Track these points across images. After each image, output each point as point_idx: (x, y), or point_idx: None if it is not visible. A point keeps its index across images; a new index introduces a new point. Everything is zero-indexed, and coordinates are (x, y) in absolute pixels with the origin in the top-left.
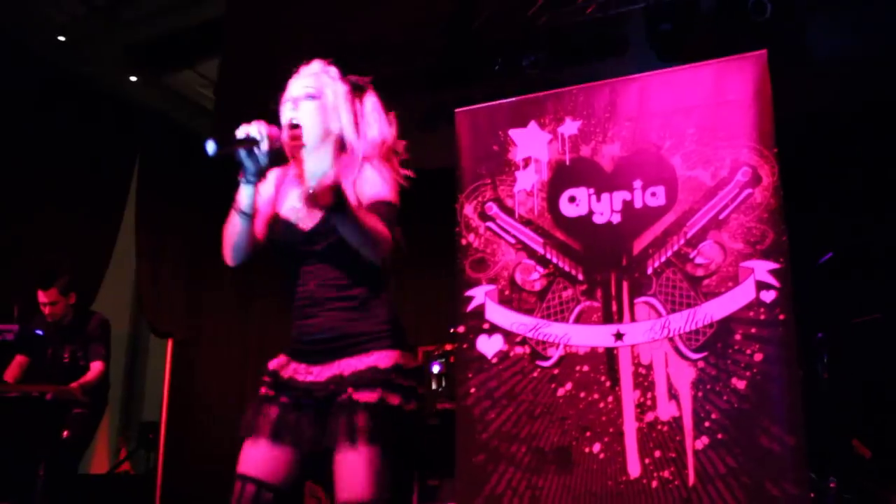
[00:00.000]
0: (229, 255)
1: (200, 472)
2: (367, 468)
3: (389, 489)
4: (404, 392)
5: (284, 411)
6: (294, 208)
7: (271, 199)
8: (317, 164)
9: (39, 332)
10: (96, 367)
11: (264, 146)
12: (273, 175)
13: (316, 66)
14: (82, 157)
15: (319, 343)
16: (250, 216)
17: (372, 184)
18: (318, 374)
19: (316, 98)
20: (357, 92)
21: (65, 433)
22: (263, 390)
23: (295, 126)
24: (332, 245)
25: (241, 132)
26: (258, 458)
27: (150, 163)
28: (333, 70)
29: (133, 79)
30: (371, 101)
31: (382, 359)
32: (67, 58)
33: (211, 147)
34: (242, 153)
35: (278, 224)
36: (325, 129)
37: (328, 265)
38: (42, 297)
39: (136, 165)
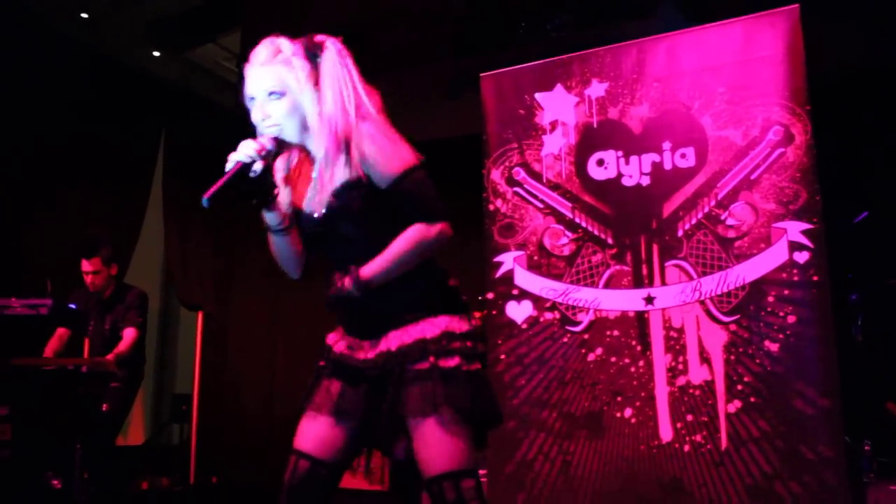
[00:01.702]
0: (288, 272)
1: (233, 443)
2: (442, 438)
3: (473, 456)
4: (461, 354)
5: (340, 387)
6: (306, 194)
7: (290, 194)
8: (317, 150)
9: (72, 305)
10: (129, 333)
11: (258, 165)
12: (282, 160)
13: (264, 53)
14: (108, 133)
15: (363, 320)
16: (285, 230)
17: (379, 163)
18: (367, 349)
19: (282, 95)
20: (313, 59)
21: (104, 407)
22: (322, 363)
23: (276, 138)
24: (349, 224)
25: (230, 162)
26: (314, 433)
27: (175, 137)
28: (286, 46)
29: (156, 54)
30: (328, 62)
31: (429, 328)
32: (90, 35)
33: (205, 202)
34: (243, 186)
35: (297, 215)
36: (303, 121)
37: (354, 244)
38: (86, 265)
39: (161, 140)
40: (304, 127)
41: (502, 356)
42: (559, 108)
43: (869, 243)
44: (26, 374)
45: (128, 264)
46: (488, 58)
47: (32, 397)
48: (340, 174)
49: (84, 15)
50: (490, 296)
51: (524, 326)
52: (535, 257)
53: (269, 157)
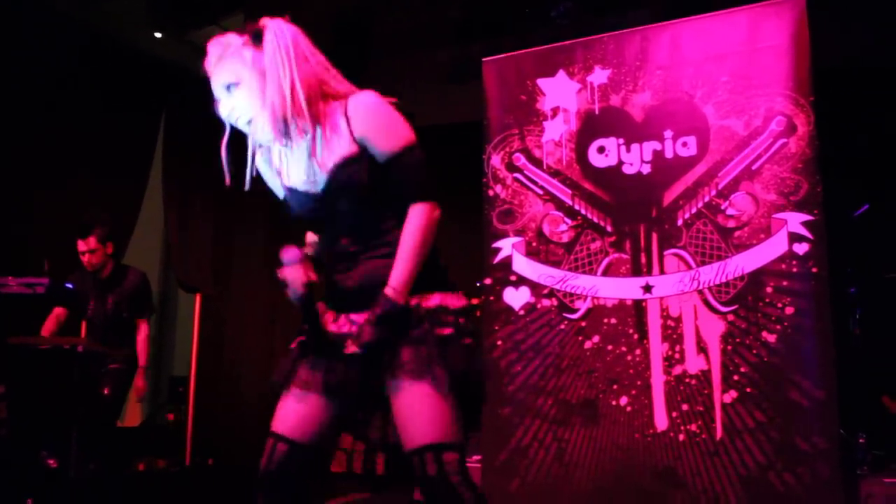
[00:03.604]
0: None
1: (229, 425)
2: (431, 404)
3: (459, 430)
4: (454, 326)
5: (327, 362)
6: (299, 174)
7: (278, 177)
8: (300, 131)
9: (70, 285)
10: (144, 326)
11: (298, 293)
12: (273, 153)
13: (214, 52)
14: (108, 114)
15: (358, 293)
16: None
17: (379, 135)
18: (358, 322)
19: (237, 85)
20: (258, 44)
21: (105, 391)
22: (301, 339)
23: (249, 123)
24: (350, 199)
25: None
26: (295, 414)
27: (175, 119)
28: (233, 39)
29: (157, 35)
30: (267, 44)
31: (424, 300)
32: (91, 15)
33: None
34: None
35: (293, 196)
36: (265, 105)
37: (353, 220)
38: (81, 245)
39: (161, 122)
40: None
41: (499, 342)
42: (561, 94)
43: (869, 237)
44: (22, 353)
45: (126, 246)
46: (491, 44)
47: (28, 376)
48: (339, 149)
49: None
50: (488, 281)
51: (521, 313)
52: (534, 244)
53: (305, 287)
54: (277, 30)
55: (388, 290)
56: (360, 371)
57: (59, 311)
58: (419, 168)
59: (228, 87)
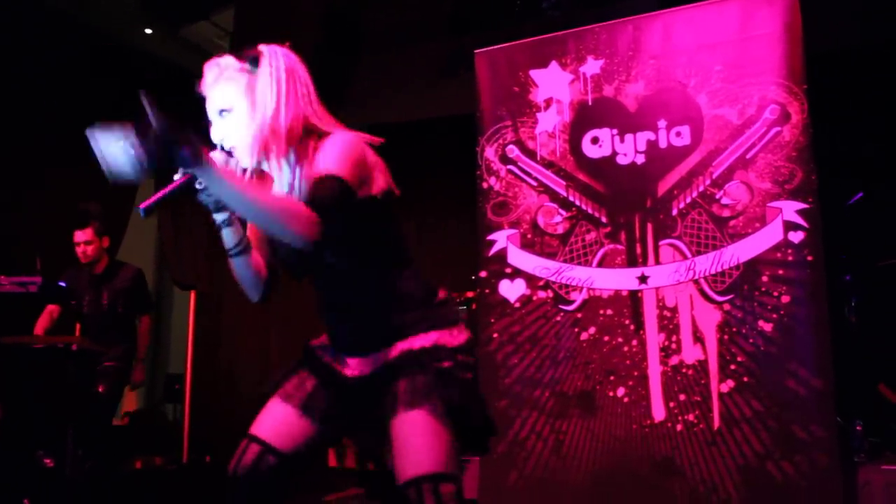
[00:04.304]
0: (249, 296)
1: (226, 423)
2: (427, 432)
3: (457, 461)
4: (453, 361)
5: (314, 385)
6: None
7: None
8: (275, 166)
9: (62, 283)
10: (146, 321)
11: None
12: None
13: (210, 75)
14: (98, 111)
15: (351, 342)
16: (240, 251)
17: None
18: (354, 367)
19: (229, 111)
20: (254, 69)
21: (100, 388)
22: (302, 358)
23: (229, 152)
24: (330, 249)
25: (178, 174)
26: (273, 419)
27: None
28: (229, 62)
29: (148, 31)
30: (263, 75)
31: (419, 341)
32: (83, 10)
33: (142, 213)
34: (201, 196)
35: (273, 241)
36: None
37: (335, 269)
38: (78, 236)
39: None
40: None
41: (495, 335)
42: (554, 85)
43: (863, 224)
44: (16, 351)
45: (120, 243)
46: (483, 36)
47: (23, 376)
48: (304, 192)
49: None
50: (483, 274)
51: (517, 305)
52: (529, 236)
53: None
54: (274, 59)
55: (211, 153)
56: (347, 410)
57: (52, 309)
58: (328, 193)
59: (221, 112)
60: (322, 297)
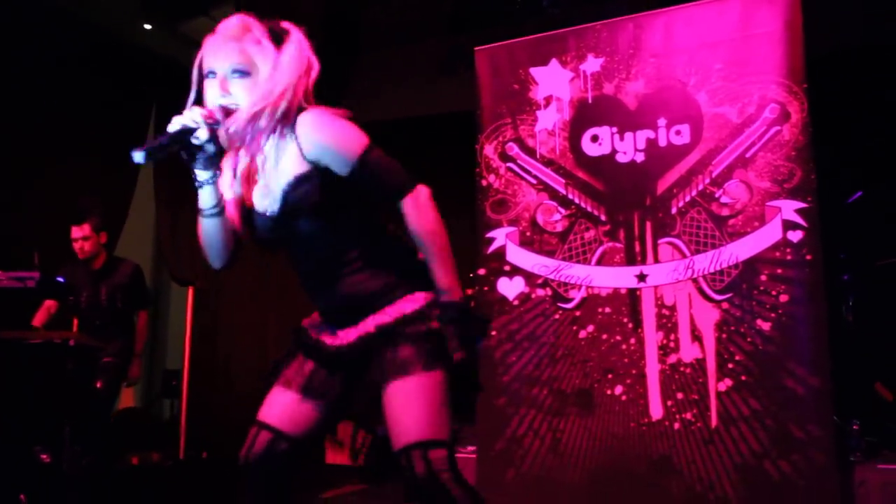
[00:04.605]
0: (210, 260)
1: (223, 419)
2: (416, 400)
3: (448, 427)
4: (438, 320)
5: (313, 367)
6: (259, 194)
7: (241, 195)
8: (270, 141)
9: (61, 279)
10: (143, 316)
11: (203, 133)
12: (238, 169)
13: (235, 27)
14: (98, 106)
15: (338, 311)
16: (216, 213)
17: (334, 148)
18: (344, 336)
19: (247, 75)
20: (278, 43)
21: (98, 384)
22: (296, 341)
23: (225, 108)
24: (305, 220)
25: (174, 124)
26: (280, 406)
27: (166, 111)
28: (256, 27)
29: (147, 27)
30: (290, 51)
31: (409, 304)
32: (82, 7)
33: (138, 156)
34: (184, 152)
35: (253, 216)
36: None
37: (314, 241)
38: (76, 231)
39: (152, 114)
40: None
41: (493, 332)
42: (554, 82)
43: (862, 224)
44: (13, 346)
45: (118, 239)
46: (483, 34)
47: (20, 371)
48: (290, 168)
49: None
50: (482, 272)
51: (516, 303)
52: (528, 233)
53: (215, 127)
54: (301, 40)
55: (444, 297)
56: (344, 382)
57: (49, 304)
58: (384, 165)
59: (234, 71)
60: (300, 267)
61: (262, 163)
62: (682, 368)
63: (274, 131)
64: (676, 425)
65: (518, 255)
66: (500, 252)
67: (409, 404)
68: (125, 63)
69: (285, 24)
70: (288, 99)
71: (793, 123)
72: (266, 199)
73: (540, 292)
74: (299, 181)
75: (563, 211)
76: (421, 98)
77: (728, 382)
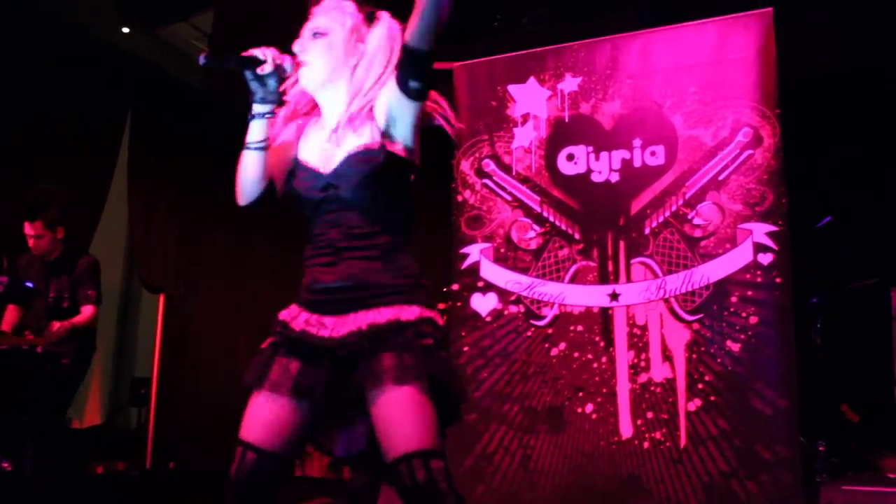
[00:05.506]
0: (239, 194)
1: (191, 428)
2: (416, 409)
3: (441, 438)
4: (434, 339)
5: (300, 365)
6: (314, 151)
7: (291, 144)
8: (332, 104)
9: (30, 284)
10: (88, 310)
11: (268, 67)
12: (294, 123)
13: (329, 1)
14: (73, 109)
15: (336, 292)
16: (262, 149)
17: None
18: (332, 327)
19: (323, 35)
20: (369, 22)
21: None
22: (273, 340)
23: (296, 60)
24: (354, 189)
25: (247, 52)
26: (264, 419)
27: (142, 116)
28: (349, 5)
29: (125, 30)
30: (378, 33)
31: (405, 312)
32: (60, 8)
33: (202, 59)
34: (248, 74)
35: (299, 170)
36: (334, 68)
37: (351, 212)
38: (28, 228)
39: (128, 119)
40: (333, 74)
41: (465, 348)
42: (531, 100)
43: (831, 248)
44: None
45: (90, 244)
46: (463, 49)
47: None
48: (361, 138)
49: None
50: (455, 287)
51: (488, 319)
52: (502, 250)
53: (280, 70)
54: (393, 26)
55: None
56: (329, 374)
57: (12, 309)
58: None
59: (315, 34)
60: (322, 235)
61: (329, 125)
62: (652, 388)
63: (362, 110)
64: (646, 444)
65: (492, 272)
66: (474, 268)
67: (409, 413)
68: (102, 66)
69: (380, 12)
70: (369, 85)
71: (765, 148)
72: (322, 156)
73: (513, 309)
74: (367, 151)
75: (537, 228)
76: None
77: (697, 402)
